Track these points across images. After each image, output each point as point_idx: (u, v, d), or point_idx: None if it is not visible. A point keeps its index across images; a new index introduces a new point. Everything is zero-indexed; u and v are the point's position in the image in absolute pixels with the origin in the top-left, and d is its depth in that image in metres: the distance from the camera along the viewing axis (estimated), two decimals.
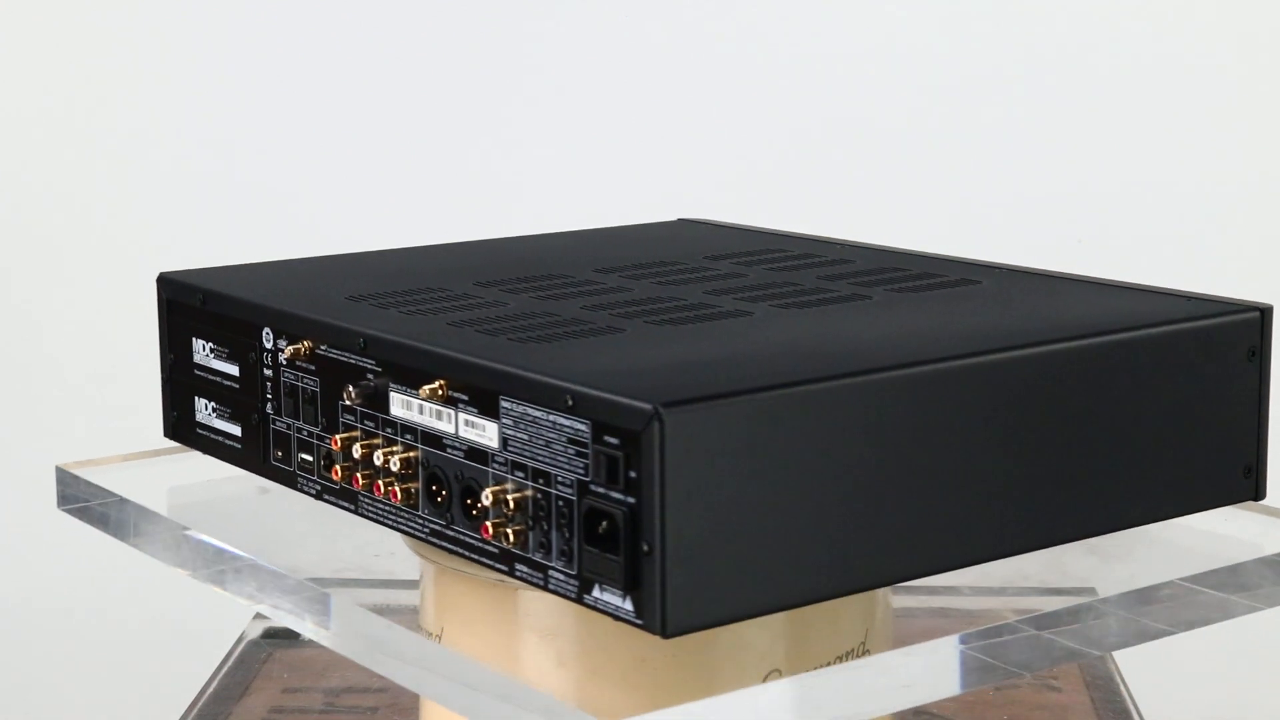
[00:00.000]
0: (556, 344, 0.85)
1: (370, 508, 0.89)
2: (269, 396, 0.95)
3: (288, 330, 0.93)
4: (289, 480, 0.94)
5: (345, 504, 0.91)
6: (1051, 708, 1.24)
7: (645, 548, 0.74)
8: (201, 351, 1.00)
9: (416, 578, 0.98)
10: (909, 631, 1.02)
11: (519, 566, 0.81)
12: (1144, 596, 0.89)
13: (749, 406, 0.75)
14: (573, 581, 0.78)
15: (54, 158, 1.88)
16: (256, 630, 1.37)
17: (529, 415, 0.79)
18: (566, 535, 0.78)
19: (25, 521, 1.88)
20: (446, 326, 0.89)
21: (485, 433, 0.82)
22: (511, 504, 0.80)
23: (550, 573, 0.79)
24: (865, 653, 0.93)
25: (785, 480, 0.76)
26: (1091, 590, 1.00)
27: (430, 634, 0.93)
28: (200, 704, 1.26)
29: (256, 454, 0.96)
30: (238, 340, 0.97)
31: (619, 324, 0.89)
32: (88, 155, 1.88)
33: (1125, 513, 0.88)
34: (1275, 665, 1.86)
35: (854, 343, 0.86)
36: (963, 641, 0.83)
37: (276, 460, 0.95)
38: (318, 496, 0.93)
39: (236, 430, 0.98)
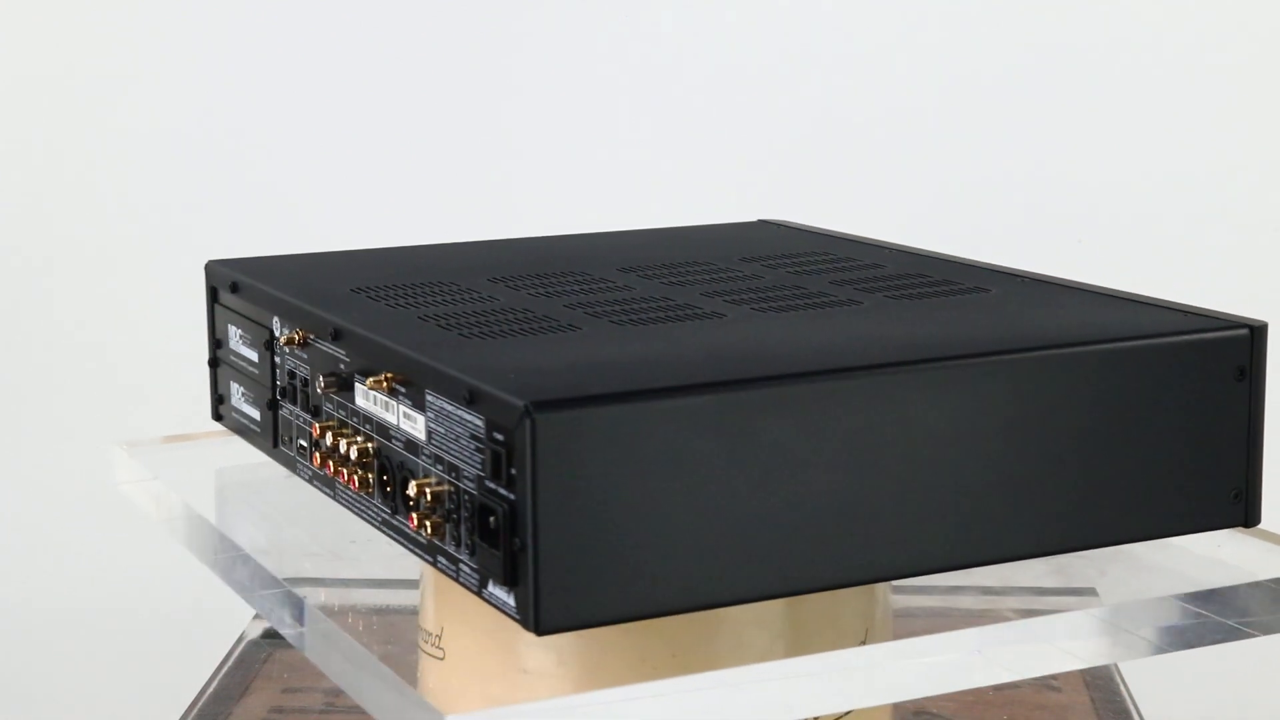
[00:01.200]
0: (499, 340, 0.86)
1: (344, 495, 0.91)
2: (277, 383, 0.98)
3: (289, 319, 0.96)
4: (291, 465, 0.97)
5: (327, 490, 0.93)
6: (1051, 708, 1.23)
7: (518, 544, 0.75)
8: (234, 337, 1.03)
9: (416, 577, 0.99)
10: (909, 631, 1.00)
11: (440, 558, 0.82)
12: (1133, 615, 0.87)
13: (628, 410, 0.75)
14: (474, 575, 0.79)
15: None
16: (256, 630, 1.38)
17: (445, 409, 0.80)
18: (469, 529, 0.79)
19: (25, 522, 1.90)
20: (416, 320, 0.90)
21: (417, 425, 0.83)
22: (430, 496, 0.81)
23: (460, 566, 0.80)
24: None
25: (666, 485, 0.76)
26: (1092, 590, 0.97)
27: (430, 634, 0.94)
28: (200, 704, 1.27)
29: (270, 438, 0.99)
30: (257, 327, 1.00)
31: (584, 322, 0.89)
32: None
33: (1095, 531, 0.85)
34: (1276, 665, 1.82)
35: (790, 348, 0.84)
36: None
37: (283, 445, 0.98)
38: (310, 481, 0.95)
39: (256, 414, 1.01)
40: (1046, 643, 0.84)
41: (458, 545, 0.80)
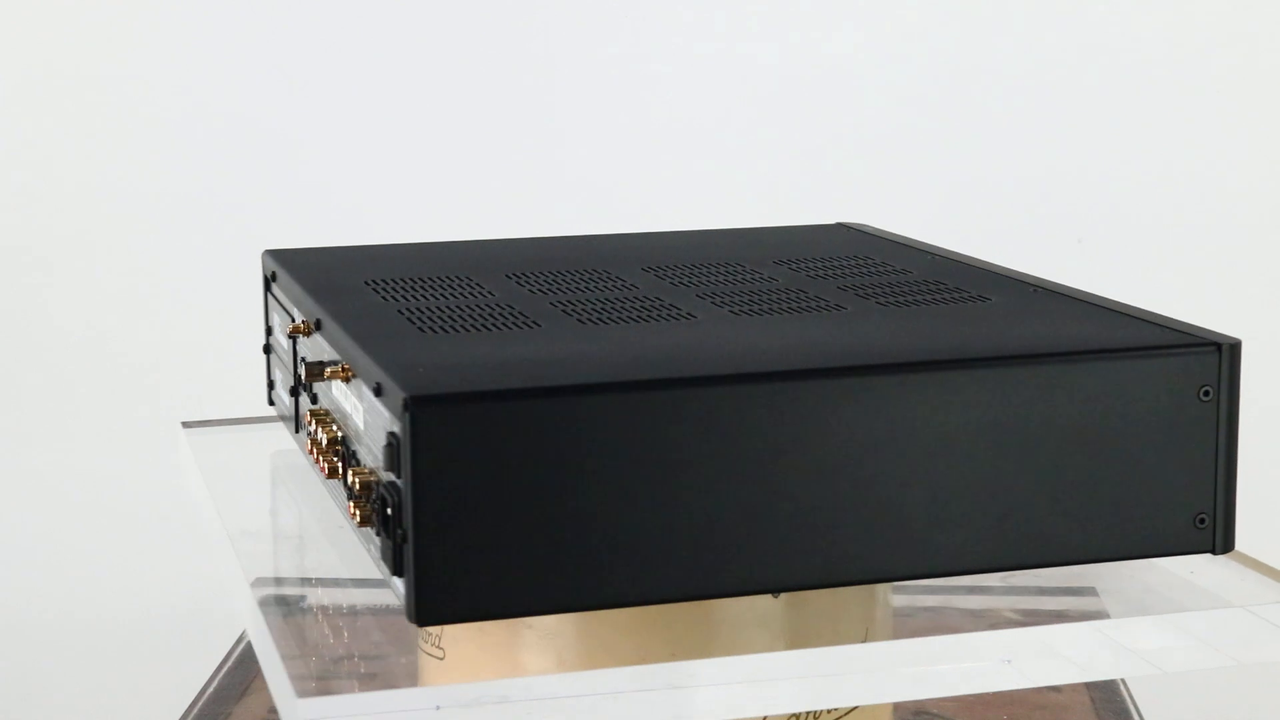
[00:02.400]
0: (457, 335, 0.87)
1: (326, 483, 0.93)
2: (297, 371, 1.01)
3: (299, 309, 0.99)
4: (305, 449, 1.00)
5: (320, 475, 0.96)
6: (1051, 708, 1.22)
7: (401, 534, 0.76)
8: (276, 326, 1.07)
9: None
10: (909, 631, 1.00)
11: (370, 547, 0.84)
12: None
13: (510, 408, 0.75)
14: (385, 565, 0.80)
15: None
16: None
17: (370, 401, 0.82)
18: (379, 519, 0.80)
19: (25, 521, 1.91)
20: (394, 313, 0.92)
21: (359, 415, 0.85)
22: (359, 485, 0.83)
23: (378, 555, 0.82)
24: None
25: (548, 484, 0.76)
26: (1092, 590, 0.94)
27: (430, 633, 0.94)
28: (200, 704, 1.27)
29: (294, 425, 1.02)
30: (286, 316, 1.03)
31: (551, 320, 0.90)
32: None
33: (1045, 549, 0.82)
34: (1276, 665, 1.71)
35: (719, 352, 0.84)
36: None
37: (302, 430, 1.01)
38: (313, 466, 0.98)
39: (288, 401, 1.04)
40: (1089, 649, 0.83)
41: (377, 533, 0.81)
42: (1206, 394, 0.83)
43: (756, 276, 1.00)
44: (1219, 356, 0.83)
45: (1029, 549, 0.82)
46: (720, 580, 0.79)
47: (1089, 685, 1.25)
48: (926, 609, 1.12)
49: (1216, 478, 0.83)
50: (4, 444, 1.91)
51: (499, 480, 0.75)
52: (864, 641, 0.91)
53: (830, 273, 1.01)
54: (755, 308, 0.92)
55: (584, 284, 0.99)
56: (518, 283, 0.99)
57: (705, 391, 0.77)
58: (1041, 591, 1.07)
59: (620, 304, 0.93)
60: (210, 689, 1.31)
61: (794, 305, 0.93)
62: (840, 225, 1.19)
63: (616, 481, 0.76)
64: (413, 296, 0.96)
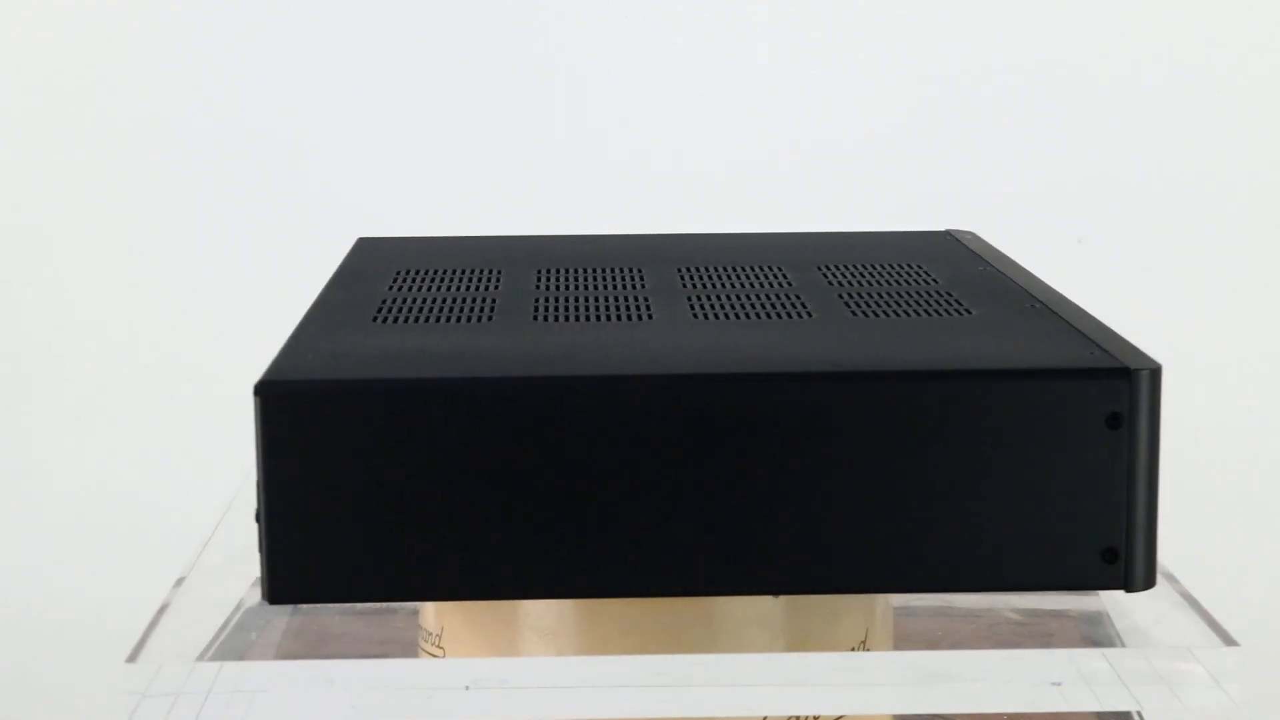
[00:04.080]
0: (405, 326, 0.88)
1: None
2: None
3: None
4: None
5: None
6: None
7: (257, 514, 0.79)
8: None
9: None
10: (909, 630, 0.97)
11: None
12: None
13: (354, 396, 0.77)
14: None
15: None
16: None
17: None
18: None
19: (23, 521, 1.90)
20: (377, 303, 0.94)
21: None
22: None
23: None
24: (865, 651, 0.90)
25: (394, 474, 0.77)
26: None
27: (430, 633, 0.95)
28: None
29: None
30: None
31: (513, 315, 0.91)
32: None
33: (931, 573, 0.79)
34: (1276, 665, 1.60)
35: (612, 351, 0.83)
36: None
37: None
38: None
39: None
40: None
41: (255, 520, 0.83)
42: (1115, 422, 0.77)
43: (770, 281, 0.99)
44: (1130, 382, 0.78)
45: (920, 572, 0.79)
46: (553, 581, 0.79)
47: None
48: (928, 608, 1.08)
49: (1128, 512, 0.78)
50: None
51: (343, 467, 0.77)
52: (863, 641, 0.89)
53: (849, 280, 0.99)
54: (724, 311, 0.91)
55: (599, 281, 0.99)
56: (537, 278, 1.00)
57: (539, 387, 0.77)
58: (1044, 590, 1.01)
59: (601, 303, 0.93)
60: None
61: (766, 310, 0.91)
62: (948, 233, 1.15)
63: (449, 475, 0.77)
64: (418, 288, 0.98)
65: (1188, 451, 1.79)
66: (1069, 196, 1.81)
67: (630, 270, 1.02)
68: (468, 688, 0.80)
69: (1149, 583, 0.79)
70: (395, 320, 0.90)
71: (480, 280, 1.00)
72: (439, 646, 0.94)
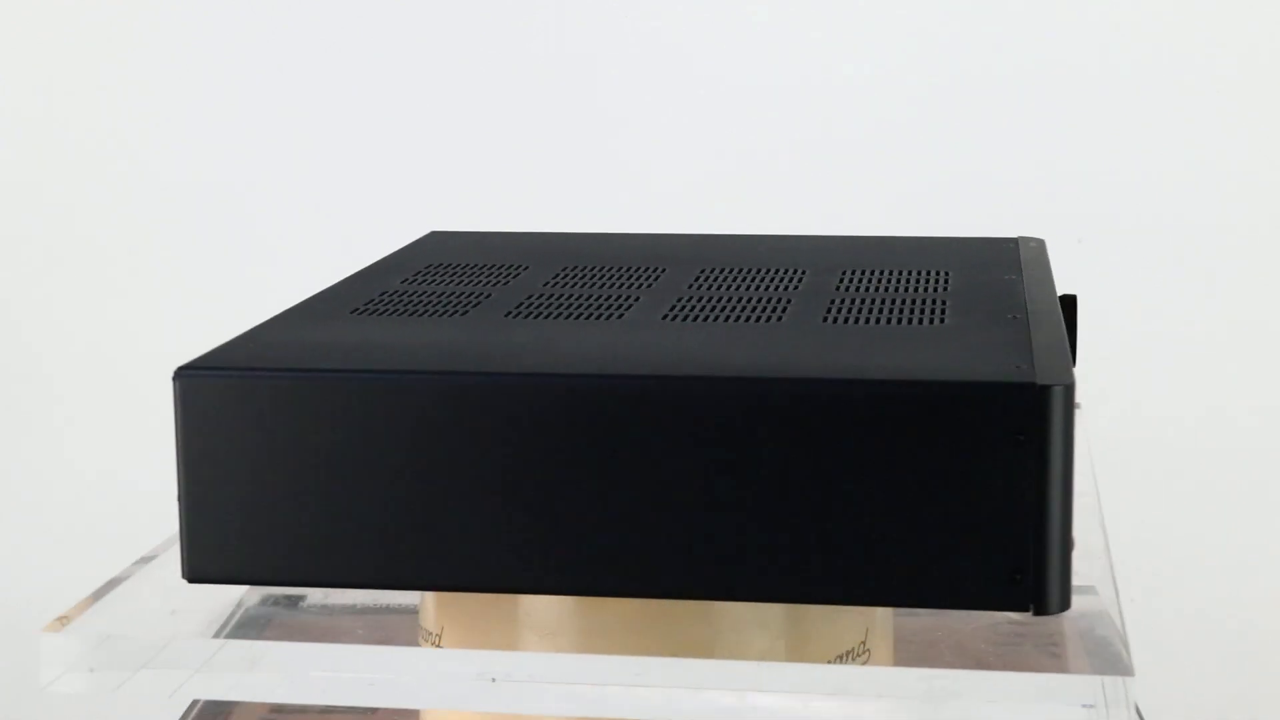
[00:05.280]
0: (385, 319, 0.91)
1: None
2: None
3: None
4: None
5: None
6: None
7: (178, 494, 0.81)
8: None
9: None
10: (909, 629, 0.94)
11: None
12: None
13: (260, 384, 0.79)
14: None
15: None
16: None
17: None
18: None
19: (24, 521, 1.90)
20: (375, 293, 0.97)
21: None
22: None
23: None
24: (865, 652, 0.89)
25: (299, 462, 0.79)
26: (1092, 589, 0.88)
27: (430, 633, 0.95)
28: (200, 704, 1.23)
29: None
30: None
31: (489, 313, 0.92)
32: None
33: (829, 586, 0.77)
34: (1276, 665, 1.78)
35: (549, 350, 0.84)
36: None
37: None
38: None
39: None
40: None
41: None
42: (1020, 438, 0.75)
43: (781, 284, 0.98)
44: (1035, 398, 0.75)
45: (817, 583, 0.77)
46: (458, 572, 0.80)
47: None
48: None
49: (1033, 532, 0.75)
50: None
51: (253, 454, 0.79)
52: (863, 641, 0.88)
53: (864, 286, 0.98)
54: (701, 315, 0.91)
55: (608, 280, 0.99)
56: (553, 275, 1.01)
57: (430, 381, 0.79)
58: None
59: (588, 302, 0.94)
60: None
61: (746, 315, 0.91)
62: (1024, 239, 1.12)
63: (353, 465, 0.79)
64: (433, 282, 0.99)
65: (1187, 446, 1.80)
66: (1069, 197, 1.80)
67: (649, 269, 1.02)
68: (494, 680, 0.81)
69: (1063, 605, 0.76)
70: (375, 313, 0.92)
71: (496, 276, 1.01)
72: (439, 647, 0.95)
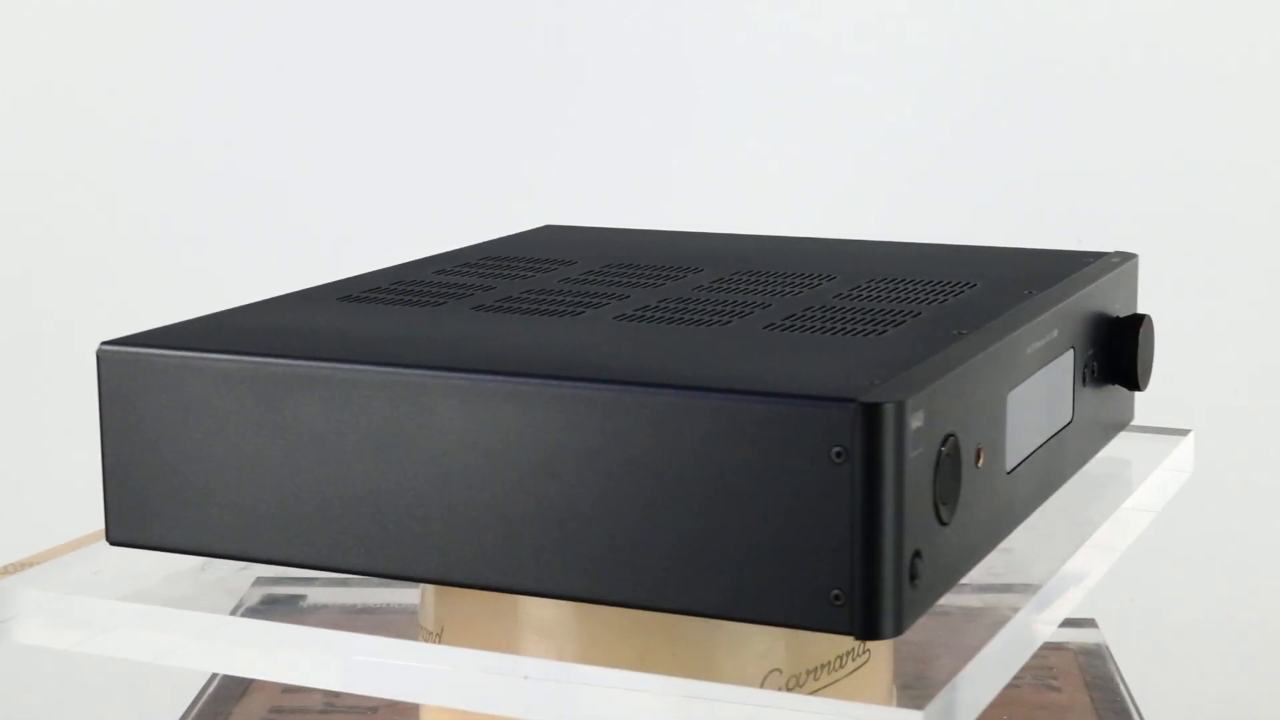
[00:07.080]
0: (366, 307, 0.94)
1: None
2: None
3: None
4: None
5: None
6: (1051, 708, 1.20)
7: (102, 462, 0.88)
8: None
9: None
10: (909, 630, 0.93)
11: None
12: None
13: (172, 363, 0.85)
14: None
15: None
16: None
17: None
18: None
19: (24, 521, 1.89)
20: (406, 282, 1.01)
21: None
22: None
23: None
24: (866, 651, 0.89)
25: (208, 438, 0.84)
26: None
27: (430, 633, 0.95)
28: (200, 704, 1.26)
29: None
30: None
31: (463, 305, 0.94)
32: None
33: (644, 589, 0.79)
34: (1276, 665, 1.81)
35: (476, 345, 0.86)
36: None
37: None
38: None
39: None
40: None
41: None
42: (839, 456, 0.73)
43: (786, 282, 0.98)
44: (855, 416, 0.73)
45: (643, 588, 0.78)
46: (361, 558, 0.84)
47: (1089, 685, 1.23)
48: None
49: (854, 552, 0.73)
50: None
51: (162, 424, 0.85)
52: (864, 642, 0.88)
53: (857, 292, 0.97)
54: (665, 318, 0.91)
55: (615, 280, 1.01)
56: (572, 272, 1.02)
57: (335, 370, 0.83)
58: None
59: (578, 300, 0.95)
60: (210, 689, 1.31)
61: (715, 320, 0.91)
62: (1092, 252, 1.09)
63: (260, 443, 0.83)
64: (457, 275, 1.02)
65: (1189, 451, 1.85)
66: (1069, 197, 1.80)
67: (672, 269, 1.03)
68: (526, 677, 0.82)
69: (893, 631, 0.74)
70: (362, 301, 0.95)
71: (516, 270, 1.03)
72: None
